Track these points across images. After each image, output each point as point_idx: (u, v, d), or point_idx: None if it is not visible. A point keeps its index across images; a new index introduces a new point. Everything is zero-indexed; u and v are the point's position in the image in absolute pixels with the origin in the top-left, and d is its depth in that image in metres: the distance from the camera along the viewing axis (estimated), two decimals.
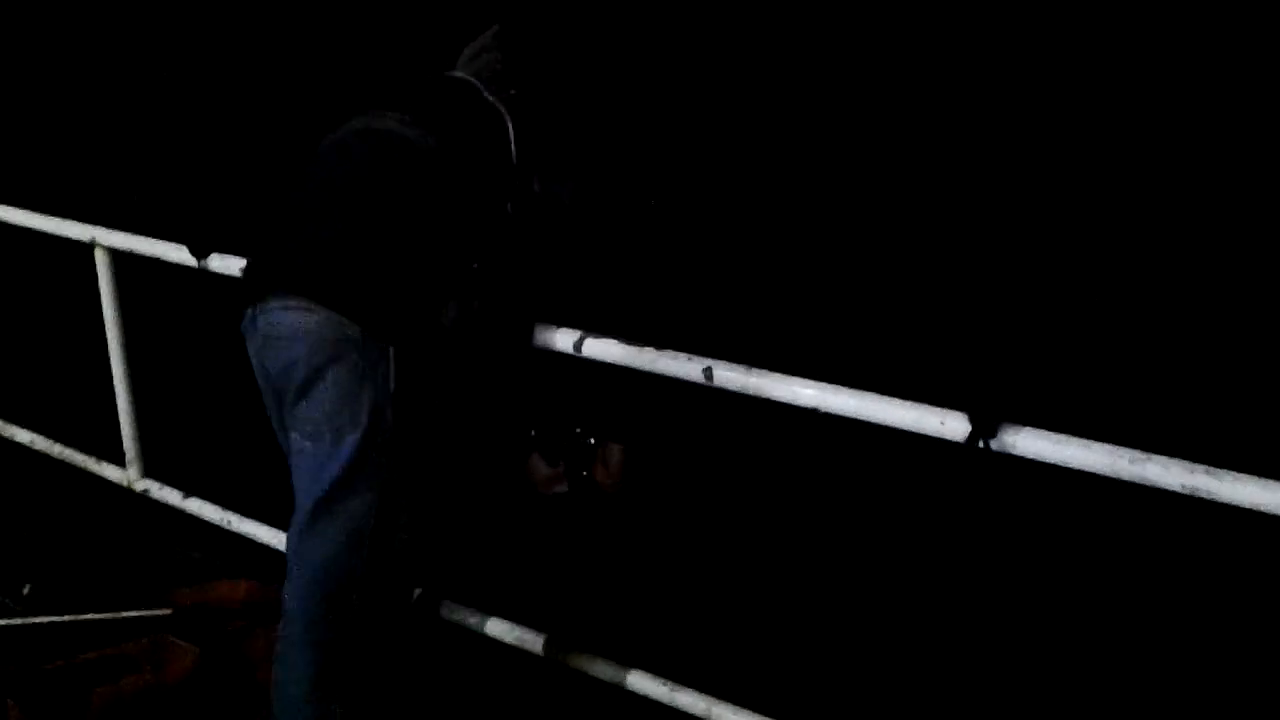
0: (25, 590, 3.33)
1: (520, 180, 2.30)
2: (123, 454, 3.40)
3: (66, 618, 3.01)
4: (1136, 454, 1.79)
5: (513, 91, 2.38)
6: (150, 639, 2.92)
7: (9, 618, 3.10)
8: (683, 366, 2.21)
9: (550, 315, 2.38)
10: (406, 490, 2.37)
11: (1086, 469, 1.83)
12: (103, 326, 3.27)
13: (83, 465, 3.52)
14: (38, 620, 3.00)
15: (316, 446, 2.24)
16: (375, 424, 2.21)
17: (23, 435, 3.70)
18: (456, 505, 2.84)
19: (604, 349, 2.31)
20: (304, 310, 2.20)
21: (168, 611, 3.00)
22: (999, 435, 1.89)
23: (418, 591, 2.78)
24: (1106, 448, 1.82)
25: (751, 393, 2.14)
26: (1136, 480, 1.78)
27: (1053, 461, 1.86)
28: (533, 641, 2.63)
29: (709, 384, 2.18)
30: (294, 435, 2.28)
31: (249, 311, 2.30)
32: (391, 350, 2.20)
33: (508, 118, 2.31)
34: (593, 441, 2.54)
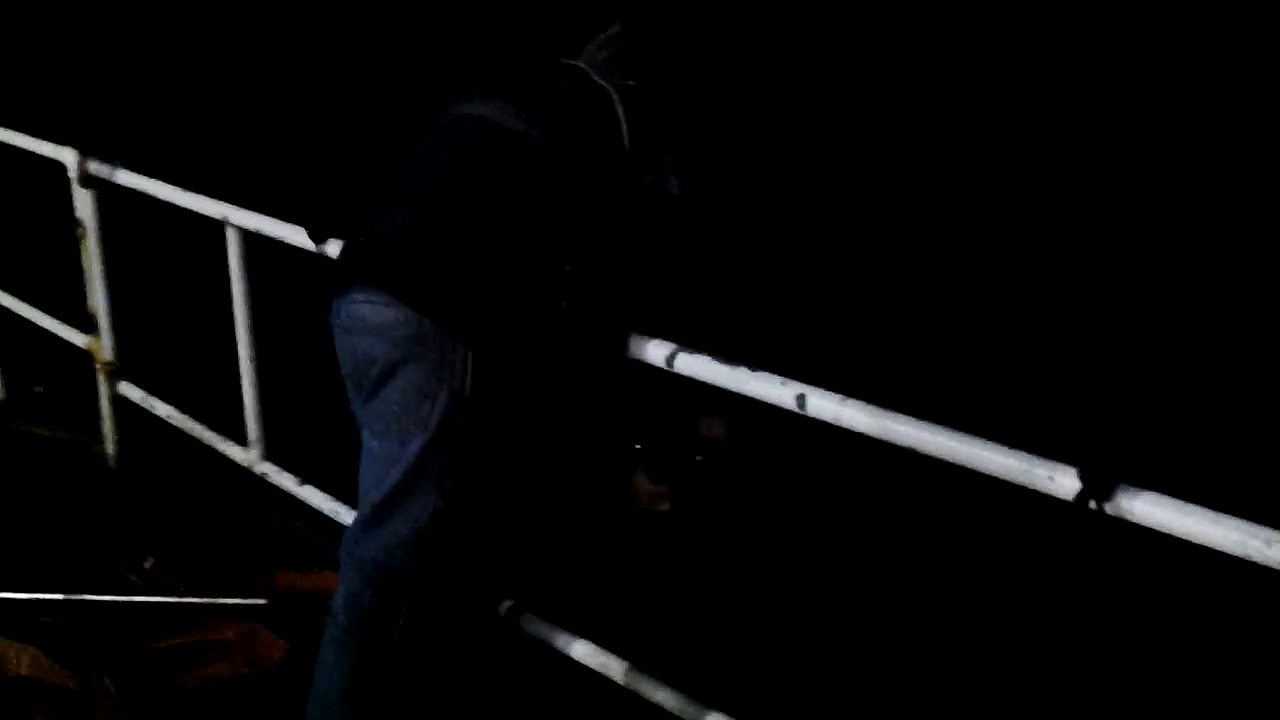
0: (148, 564, 3.38)
1: (632, 170, 2.16)
2: (246, 434, 3.40)
3: (167, 599, 3.02)
4: (1275, 534, 1.54)
5: (631, 83, 2.24)
6: (245, 627, 2.91)
7: (124, 593, 3.14)
8: (775, 390, 2.03)
9: (645, 323, 2.23)
10: (482, 499, 2.26)
11: (1210, 545, 1.58)
12: (231, 305, 3.28)
13: (210, 443, 3.54)
14: (139, 599, 3.02)
15: (383, 446, 2.15)
16: (445, 428, 2.11)
17: (161, 409, 3.75)
18: (554, 517, 2.72)
19: (697, 365, 2.14)
20: (382, 304, 2.12)
21: (263, 601, 2.98)
22: (1114, 497, 1.66)
23: (507, 604, 2.67)
24: (1238, 523, 1.56)
25: (845, 425, 1.95)
26: (1271, 565, 1.53)
27: (1172, 532, 1.61)
28: (615, 668, 2.49)
29: (801, 411, 2.00)
30: (364, 432, 2.20)
31: (334, 301, 2.24)
32: (469, 353, 2.10)
33: (618, 102, 2.17)
34: (700, 459, 2.40)
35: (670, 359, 2.17)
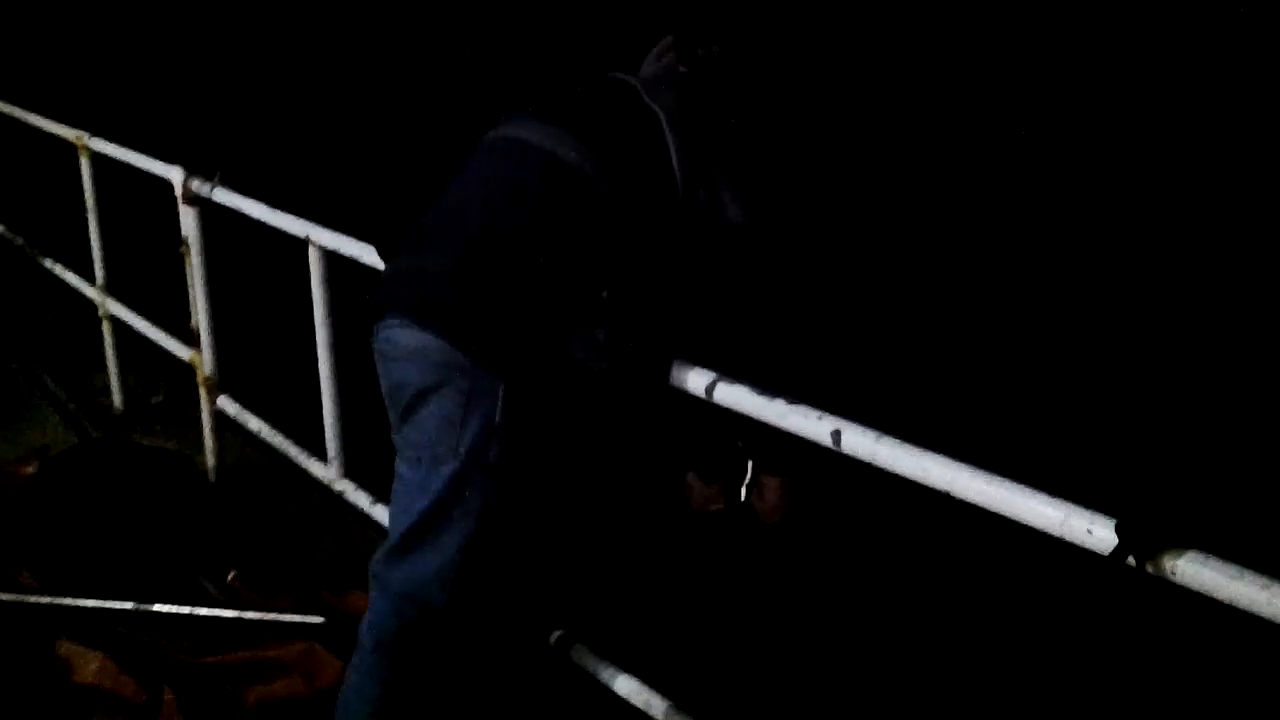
0: (229, 577, 3.42)
1: (685, 193, 2.07)
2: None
3: (228, 614, 3.04)
4: None
5: (682, 69, 2.16)
6: (303, 645, 2.90)
7: (197, 605, 3.17)
8: (812, 425, 1.93)
9: (688, 349, 2.14)
10: (519, 530, 2.20)
11: (1258, 612, 1.42)
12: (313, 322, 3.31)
13: (294, 458, 3.57)
14: (202, 613, 3.05)
15: (413, 473, 2.11)
16: (475, 457, 2.05)
17: (254, 423, 3.80)
18: (606, 545, 2.65)
19: (735, 396, 2.05)
20: (417, 330, 2.08)
21: (320, 620, 2.97)
22: (1155, 555, 1.51)
23: (557, 634, 2.60)
24: None
25: (880, 464, 1.83)
26: None
27: (1216, 596, 1.46)
28: (658, 706, 2.40)
29: (836, 448, 1.89)
30: (398, 458, 2.16)
31: (376, 325, 2.21)
32: (502, 382, 2.04)
33: (667, 126, 2.09)
34: (751, 463, 2.30)
35: (710, 388, 2.08)
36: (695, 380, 2.11)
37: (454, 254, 2.07)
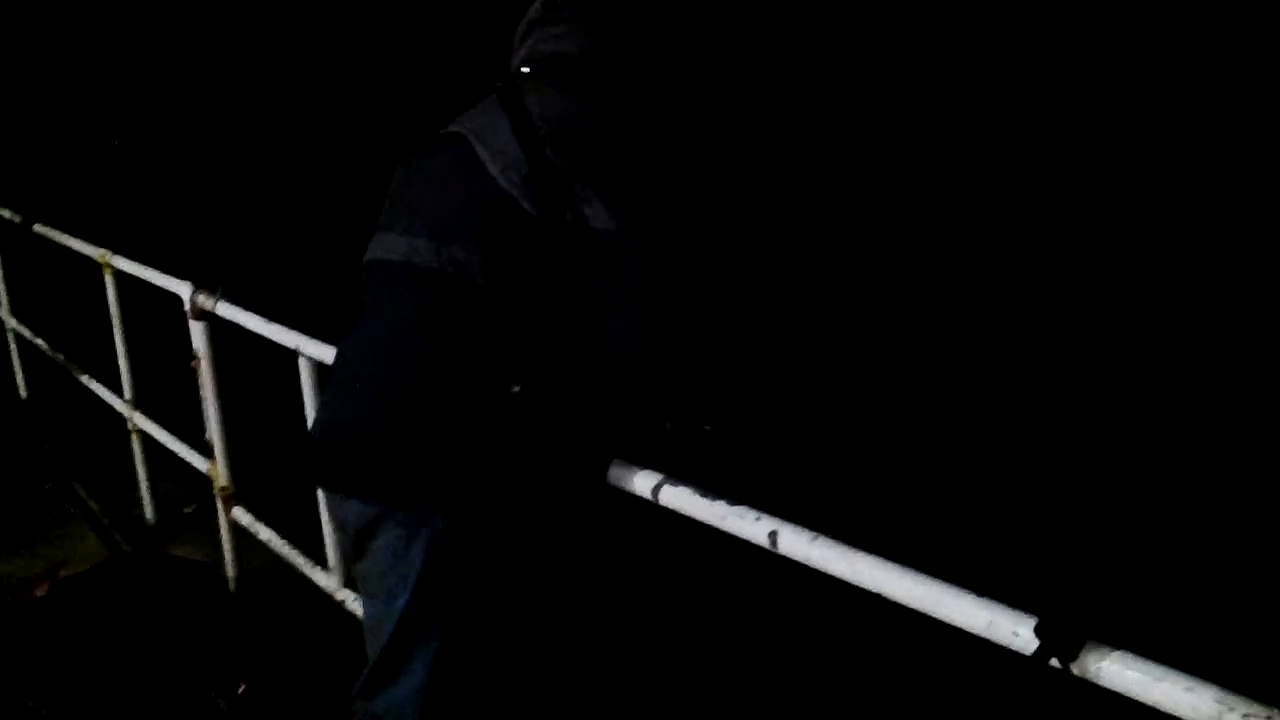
0: (240, 690, 3.41)
1: (548, 223, 1.94)
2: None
3: None
4: (1257, 709, 1.29)
5: (498, 84, 2.08)
6: None
7: None
8: (749, 527, 1.88)
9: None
10: (486, 645, 2.16)
11: (1180, 715, 1.34)
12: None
13: (299, 567, 3.56)
14: None
15: (373, 606, 2.12)
16: (427, 580, 2.03)
17: (264, 533, 3.80)
18: (605, 648, 2.59)
19: (679, 499, 2.00)
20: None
21: None
22: (1079, 656, 1.43)
23: None
24: (1214, 693, 1.32)
25: (814, 564, 1.78)
26: None
27: (1140, 698, 1.38)
28: None
29: (773, 549, 1.84)
30: (361, 592, 2.16)
31: None
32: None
33: (499, 172, 1.96)
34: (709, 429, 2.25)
35: (656, 490, 2.04)
36: (642, 483, 2.06)
37: (354, 413, 2.06)
